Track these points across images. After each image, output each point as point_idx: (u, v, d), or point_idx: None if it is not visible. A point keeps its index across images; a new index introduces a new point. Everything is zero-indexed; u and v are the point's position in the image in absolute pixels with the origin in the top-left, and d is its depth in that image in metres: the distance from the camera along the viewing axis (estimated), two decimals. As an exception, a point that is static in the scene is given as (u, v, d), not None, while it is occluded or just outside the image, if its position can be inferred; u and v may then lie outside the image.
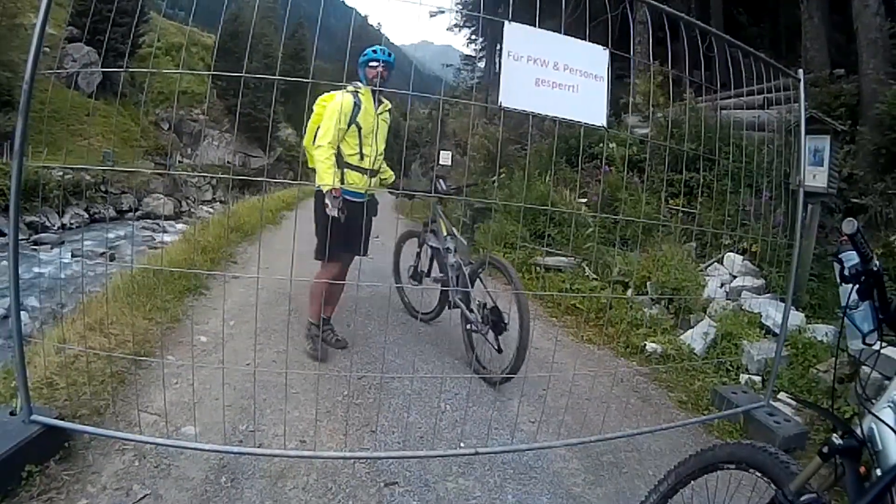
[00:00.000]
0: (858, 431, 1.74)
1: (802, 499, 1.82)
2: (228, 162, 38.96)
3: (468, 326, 5.08)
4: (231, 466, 3.29)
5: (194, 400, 3.80)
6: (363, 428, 3.90)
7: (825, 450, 1.81)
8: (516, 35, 3.43)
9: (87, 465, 3.15)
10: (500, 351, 4.71)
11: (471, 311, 5.01)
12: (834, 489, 1.86)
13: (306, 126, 4.97)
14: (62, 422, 3.19)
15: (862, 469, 1.70)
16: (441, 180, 5.55)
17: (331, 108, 4.73)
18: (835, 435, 1.80)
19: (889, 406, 1.69)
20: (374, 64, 4.83)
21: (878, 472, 1.61)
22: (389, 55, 4.90)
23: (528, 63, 3.44)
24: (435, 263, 5.65)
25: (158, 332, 5.06)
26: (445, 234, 5.39)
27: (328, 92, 5.00)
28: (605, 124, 3.78)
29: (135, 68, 26.13)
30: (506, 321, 4.65)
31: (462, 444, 3.78)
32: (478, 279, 5.07)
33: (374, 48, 4.89)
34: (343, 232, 4.58)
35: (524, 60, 3.43)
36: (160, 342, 4.90)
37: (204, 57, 41.99)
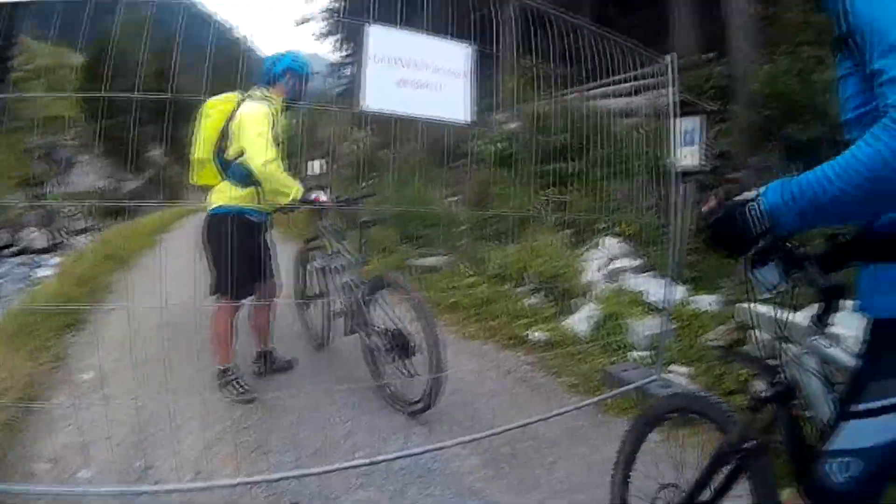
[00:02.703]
0: (783, 377, 1.83)
1: (745, 446, 1.93)
2: (100, 187, 37.47)
3: (372, 355, 4.64)
4: (133, 506, 3.18)
5: (85, 440, 3.61)
6: (256, 450, 3.82)
7: (752, 403, 1.93)
8: (379, 36, 3.44)
9: (-11, 525, 3.01)
10: (411, 376, 4.28)
11: (369, 335, 4.54)
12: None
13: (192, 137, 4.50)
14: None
15: (794, 413, 1.79)
16: (322, 191, 4.83)
17: (260, 116, 4.21)
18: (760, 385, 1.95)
19: (807, 352, 1.76)
20: (288, 77, 4.50)
21: (807, 413, 1.71)
22: (303, 65, 4.59)
23: (392, 64, 3.45)
24: (325, 283, 5.20)
25: (43, 374, 4.84)
26: (332, 251, 4.93)
27: (215, 97, 4.44)
28: (468, 120, 3.81)
29: (7, 93, 24.86)
30: (413, 343, 4.23)
31: (357, 455, 3.72)
32: (375, 301, 4.58)
33: (284, 55, 4.57)
34: (248, 258, 4.24)
35: (387, 62, 3.43)
36: (45, 383, 4.70)
37: (73, 79, 40.30)
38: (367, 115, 3.44)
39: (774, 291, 1.79)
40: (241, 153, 4.28)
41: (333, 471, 3.46)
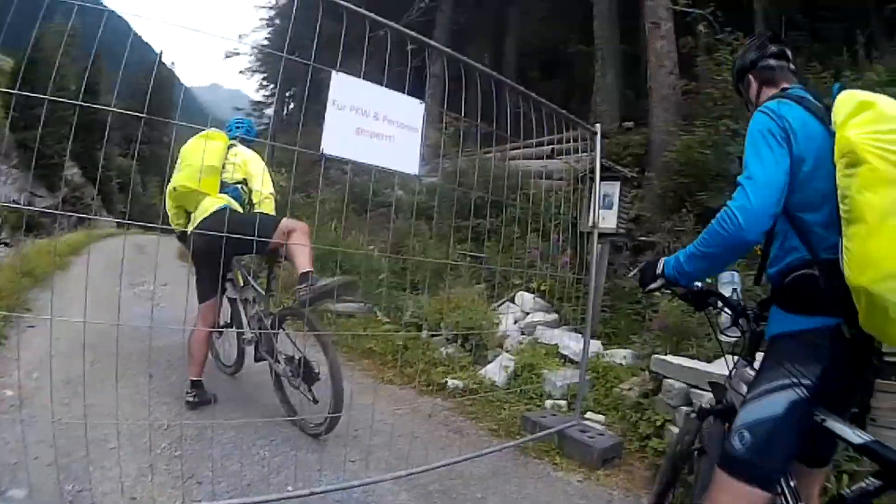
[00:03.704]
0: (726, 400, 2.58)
1: (693, 449, 2.69)
2: (14, 200, 35.50)
3: (280, 380, 4.99)
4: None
5: (12, 460, 3.63)
6: (189, 480, 3.80)
7: (698, 412, 2.79)
8: (342, 84, 3.55)
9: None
10: (315, 402, 4.61)
11: (278, 362, 4.88)
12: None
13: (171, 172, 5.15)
14: None
15: (726, 427, 2.47)
16: None
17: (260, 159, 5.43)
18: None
19: (739, 381, 2.47)
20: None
21: None
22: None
23: (351, 112, 3.59)
24: (236, 315, 5.46)
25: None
26: (242, 283, 5.29)
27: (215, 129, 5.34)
28: (417, 173, 4.04)
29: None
30: (316, 371, 4.57)
31: (289, 488, 3.74)
32: (282, 330, 4.95)
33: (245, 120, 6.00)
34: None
35: (347, 110, 3.56)
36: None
37: (1, 83, 38.01)
38: (326, 158, 3.54)
39: (729, 335, 2.61)
40: (240, 181, 5.19)
41: (271, 501, 3.48)
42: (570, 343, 6.45)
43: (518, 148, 9.72)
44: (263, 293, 5.20)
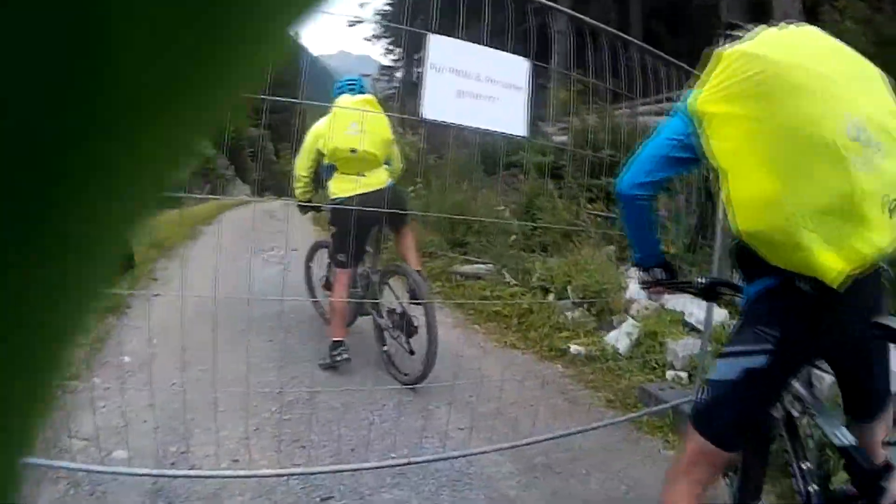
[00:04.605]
0: None
1: None
2: None
3: (381, 332, 5.25)
4: (166, 490, 3.22)
5: (122, 422, 3.64)
6: (293, 444, 3.84)
7: None
8: (439, 47, 3.47)
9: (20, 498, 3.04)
10: (412, 353, 4.88)
11: (381, 316, 5.20)
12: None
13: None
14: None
15: None
16: None
17: None
18: None
19: None
20: None
21: None
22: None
23: (451, 75, 3.48)
24: None
25: (83, 354, 4.87)
26: None
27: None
28: (524, 134, 3.88)
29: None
30: (415, 324, 4.81)
31: (393, 455, 3.75)
32: (387, 286, 5.27)
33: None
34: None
35: (446, 72, 3.47)
36: (85, 364, 4.72)
37: None
38: (426, 123, 3.48)
39: None
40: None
41: (369, 468, 3.51)
42: (696, 311, 6.11)
43: (648, 104, 9.40)
44: (373, 251, 5.54)
